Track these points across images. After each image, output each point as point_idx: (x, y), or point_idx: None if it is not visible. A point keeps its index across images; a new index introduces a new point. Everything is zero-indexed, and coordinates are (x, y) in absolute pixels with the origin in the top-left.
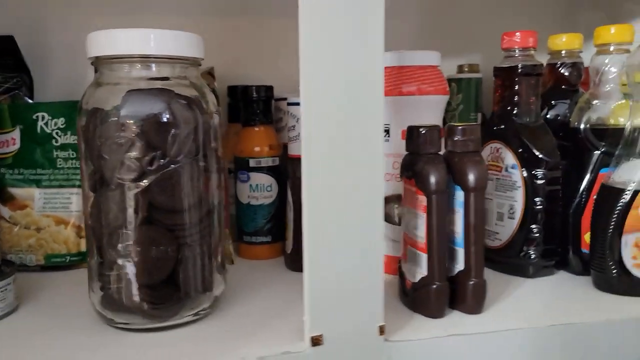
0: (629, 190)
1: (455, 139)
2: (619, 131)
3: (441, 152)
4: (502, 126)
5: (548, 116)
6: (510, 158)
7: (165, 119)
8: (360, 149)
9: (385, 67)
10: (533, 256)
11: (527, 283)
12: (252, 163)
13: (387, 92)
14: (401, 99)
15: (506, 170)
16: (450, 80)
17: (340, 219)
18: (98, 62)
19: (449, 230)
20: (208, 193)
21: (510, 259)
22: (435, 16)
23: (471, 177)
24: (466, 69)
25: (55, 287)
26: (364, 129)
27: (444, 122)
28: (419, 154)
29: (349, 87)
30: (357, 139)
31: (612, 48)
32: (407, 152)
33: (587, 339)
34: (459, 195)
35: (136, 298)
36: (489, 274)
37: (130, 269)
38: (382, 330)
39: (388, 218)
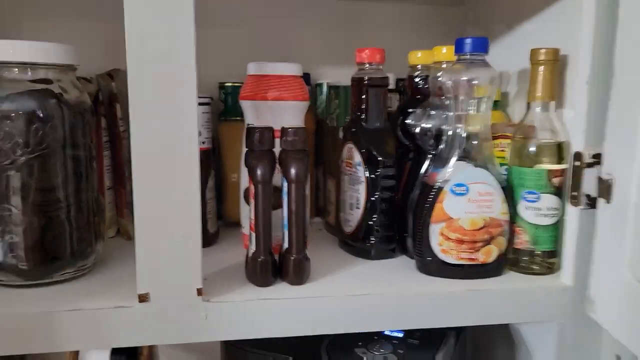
0: (436, 187)
1: (285, 138)
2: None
3: (275, 149)
4: (354, 129)
5: (407, 121)
6: (357, 157)
7: (33, 115)
8: (178, 145)
9: (249, 75)
10: (373, 241)
11: (367, 264)
12: None
13: (249, 97)
14: (265, 103)
15: (354, 167)
16: (330, 87)
17: (164, 201)
18: None
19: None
20: (77, 176)
21: (357, 243)
22: (349, 30)
23: (292, 171)
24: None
25: None
26: (181, 130)
27: (326, 124)
28: (252, 150)
29: (165, 95)
30: (176, 140)
31: (444, 65)
32: (246, 149)
33: (381, 307)
34: (285, 186)
35: (13, 261)
36: (343, 256)
37: (7, 237)
38: (199, 292)
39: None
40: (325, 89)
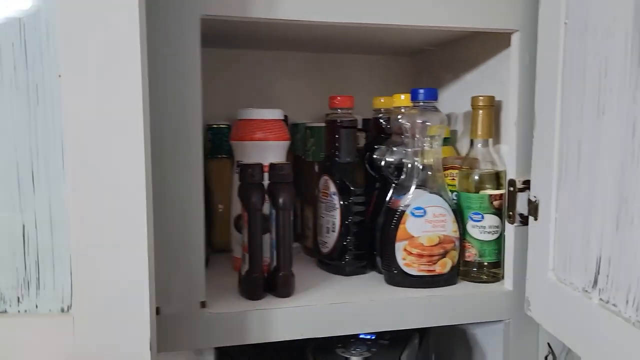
0: (399, 211)
1: (273, 172)
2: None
3: (264, 182)
4: (329, 164)
5: (374, 156)
6: (332, 187)
7: None
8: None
9: (239, 120)
10: (347, 259)
11: (343, 279)
12: None
13: (239, 138)
14: (252, 143)
15: (330, 196)
16: (306, 128)
17: (176, 231)
18: None
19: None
20: None
21: (334, 262)
22: (325, 80)
23: (280, 200)
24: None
25: None
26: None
27: (302, 159)
28: (246, 183)
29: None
30: (182, 171)
31: (403, 109)
32: (240, 183)
33: (354, 313)
34: (273, 213)
35: None
36: (321, 273)
37: None
38: (203, 305)
39: (240, 230)
40: (301, 128)
